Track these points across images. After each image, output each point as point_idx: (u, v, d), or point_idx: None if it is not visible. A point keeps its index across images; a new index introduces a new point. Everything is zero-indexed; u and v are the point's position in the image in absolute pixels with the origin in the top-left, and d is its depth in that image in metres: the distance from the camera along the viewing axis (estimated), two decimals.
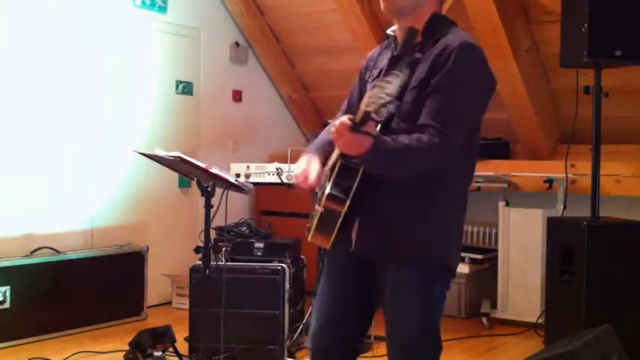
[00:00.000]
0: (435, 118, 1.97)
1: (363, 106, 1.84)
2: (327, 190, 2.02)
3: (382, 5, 2.13)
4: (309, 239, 2.16)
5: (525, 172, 4.86)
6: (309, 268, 4.27)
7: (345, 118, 1.88)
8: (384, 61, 2.20)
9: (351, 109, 2.19)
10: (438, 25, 2.11)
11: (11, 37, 4.43)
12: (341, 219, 2.02)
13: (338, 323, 2.23)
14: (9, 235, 4.41)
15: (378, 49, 2.32)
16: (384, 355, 4.12)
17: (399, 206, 2.06)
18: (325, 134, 2.31)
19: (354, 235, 2.10)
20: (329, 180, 2.05)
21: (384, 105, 1.77)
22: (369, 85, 2.22)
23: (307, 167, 2.17)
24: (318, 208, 2.05)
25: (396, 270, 2.10)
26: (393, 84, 1.78)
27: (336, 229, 2.04)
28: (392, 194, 2.06)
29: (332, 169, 2.06)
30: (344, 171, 2.01)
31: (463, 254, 5.05)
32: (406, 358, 2.14)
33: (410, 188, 2.06)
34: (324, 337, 2.25)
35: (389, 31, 2.22)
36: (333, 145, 2.08)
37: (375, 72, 2.22)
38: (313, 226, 2.09)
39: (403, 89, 1.97)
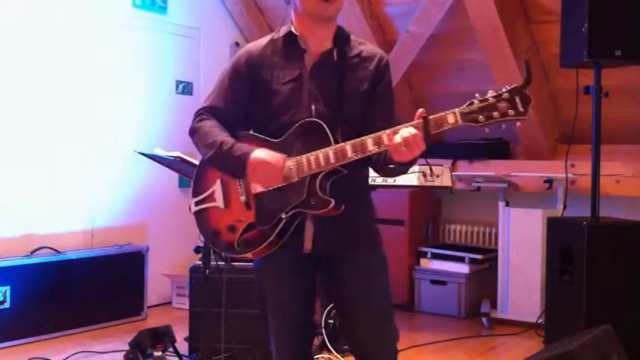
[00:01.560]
0: (392, 123, 2.08)
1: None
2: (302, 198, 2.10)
3: (326, 9, 2.14)
4: (255, 254, 2.19)
5: (525, 172, 4.86)
6: None
7: (415, 131, 1.95)
8: (292, 63, 2.18)
9: (234, 109, 2.24)
10: (342, 32, 2.24)
11: (11, 38, 4.43)
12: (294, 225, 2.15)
13: (305, 333, 2.36)
14: (9, 235, 4.41)
15: (259, 48, 2.23)
16: None
17: (350, 203, 2.15)
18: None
19: (307, 238, 2.18)
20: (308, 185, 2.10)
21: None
22: (278, 86, 2.17)
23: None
24: (283, 217, 2.12)
25: (357, 256, 2.23)
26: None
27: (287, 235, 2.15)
28: (341, 193, 2.14)
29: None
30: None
31: (463, 254, 5.07)
32: (388, 324, 2.27)
33: (356, 186, 2.24)
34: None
35: (280, 34, 2.23)
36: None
37: (286, 74, 2.18)
38: (271, 238, 2.13)
39: (344, 94, 2.15)
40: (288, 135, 2.14)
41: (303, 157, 2.09)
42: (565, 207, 4.26)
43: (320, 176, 2.09)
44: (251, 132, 2.22)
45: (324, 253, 2.22)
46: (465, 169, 5.03)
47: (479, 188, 4.94)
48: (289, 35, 2.22)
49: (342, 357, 3.84)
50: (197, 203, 2.25)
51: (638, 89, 4.52)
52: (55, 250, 4.50)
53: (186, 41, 5.53)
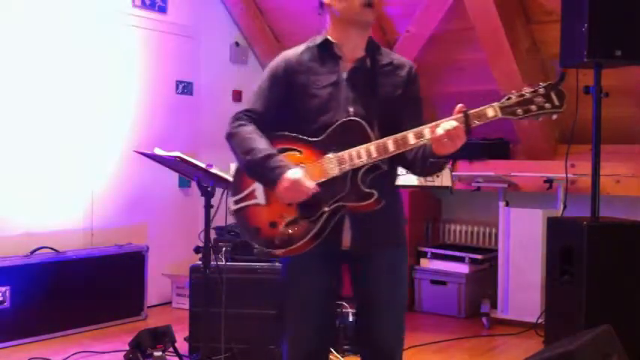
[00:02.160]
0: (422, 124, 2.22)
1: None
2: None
3: (368, 14, 2.27)
4: (296, 249, 2.23)
5: (525, 172, 4.86)
6: None
7: (457, 123, 2.09)
8: (329, 68, 2.30)
9: (272, 113, 2.32)
10: (373, 42, 2.38)
11: (11, 38, 4.43)
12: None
13: (326, 334, 2.44)
14: (9, 235, 4.41)
15: (296, 54, 2.35)
16: None
17: (385, 201, 2.24)
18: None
19: (346, 235, 2.27)
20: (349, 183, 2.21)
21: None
22: (316, 90, 2.28)
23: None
24: (326, 210, 2.20)
25: (388, 254, 2.34)
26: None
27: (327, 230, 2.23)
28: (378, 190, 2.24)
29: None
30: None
31: (463, 254, 5.07)
32: (401, 320, 2.39)
33: (389, 185, 2.34)
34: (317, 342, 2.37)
35: (316, 42, 2.35)
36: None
37: (323, 79, 2.29)
38: (314, 231, 2.21)
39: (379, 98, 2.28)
40: (327, 134, 2.24)
41: (345, 152, 2.20)
42: (565, 207, 4.26)
43: (361, 171, 2.20)
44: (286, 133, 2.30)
45: (359, 251, 2.29)
46: (465, 169, 5.03)
47: (479, 188, 4.94)
48: (325, 43, 2.33)
49: (342, 357, 3.84)
50: (237, 202, 2.31)
51: (638, 89, 4.52)
52: (54, 250, 4.50)
53: (186, 41, 5.53)
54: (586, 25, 3.64)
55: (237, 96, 5.96)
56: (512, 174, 4.86)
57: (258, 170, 2.23)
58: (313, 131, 2.26)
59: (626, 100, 4.52)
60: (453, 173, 4.51)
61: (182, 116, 5.47)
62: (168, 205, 5.38)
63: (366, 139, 2.20)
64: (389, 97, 2.30)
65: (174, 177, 5.22)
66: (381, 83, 2.31)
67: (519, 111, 2.11)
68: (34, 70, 4.54)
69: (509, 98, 2.12)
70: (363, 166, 2.20)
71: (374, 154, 2.18)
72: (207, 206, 3.20)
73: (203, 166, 3.13)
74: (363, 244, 2.29)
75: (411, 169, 2.34)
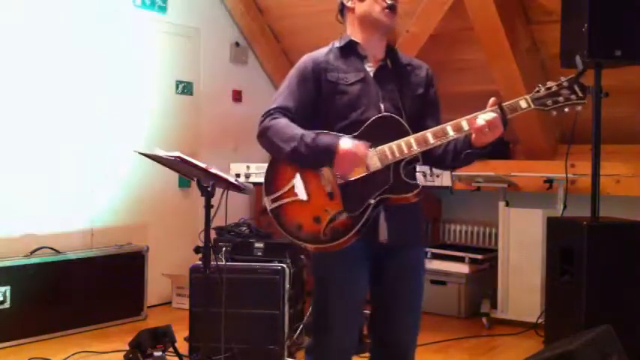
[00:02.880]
0: (439, 124, 2.34)
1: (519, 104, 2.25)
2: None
3: (389, 19, 2.38)
4: (342, 243, 2.25)
5: (525, 172, 4.86)
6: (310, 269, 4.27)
7: (495, 114, 2.21)
8: (355, 67, 2.38)
9: (303, 110, 2.36)
10: (390, 45, 2.48)
11: (11, 38, 4.43)
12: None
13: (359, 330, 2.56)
14: (9, 235, 4.41)
15: (322, 54, 2.42)
16: None
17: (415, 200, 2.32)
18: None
19: (382, 228, 2.31)
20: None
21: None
22: (345, 87, 2.34)
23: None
24: (372, 202, 2.24)
25: (413, 251, 2.42)
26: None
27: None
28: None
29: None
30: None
31: (463, 254, 5.06)
32: (419, 319, 2.45)
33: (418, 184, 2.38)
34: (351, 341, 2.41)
35: (341, 43, 2.43)
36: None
37: (351, 76, 2.37)
38: (361, 223, 2.24)
39: (404, 96, 2.38)
40: (364, 129, 2.29)
41: (385, 147, 2.26)
42: (565, 207, 4.26)
43: (402, 163, 2.27)
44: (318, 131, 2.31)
45: (393, 245, 2.33)
46: (465, 169, 4.99)
47: (479, 188, 4.94)
48: (350, 43, 2.42)
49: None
50: (274, 200, 2.32)
51: (638, 89, 4.52)
52: (55, 250, 4.50)
53: (186, 41, 5.53)
54: (586, 25, 3.64)
55: (237, 96, 5.96)
56: (512, 174, 4.86)
57: (310, 152, 2.24)
58: (344, 127, 2.31)
59: (626, 100, 4.52)
60: (453, 173, 4.51)
61: (182, 116, 5.47)
62: (168, 205, 5.38)
63: (404, 134, 2.27)
64: (413, 95, 2.41)
65: (174, 177, 5.22)
66: (404, 82, 2.40)
67: (549, 102, 2.26)
68: (35, 70, 4.54)
69: (537, 91, 2.25)
70: (404, 159, 2.26)
71: (415, 147, 2.25)
72: (207, 206, 3.19)
73: (203, 166, 3.13)
74: (399, 237, 2.33)
75: (439, 163, 2.45)
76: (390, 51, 2.46)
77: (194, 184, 3.24)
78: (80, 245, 4.76)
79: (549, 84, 2.26)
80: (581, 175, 4.37)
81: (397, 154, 2.25)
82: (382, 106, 2.33)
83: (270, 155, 2.38)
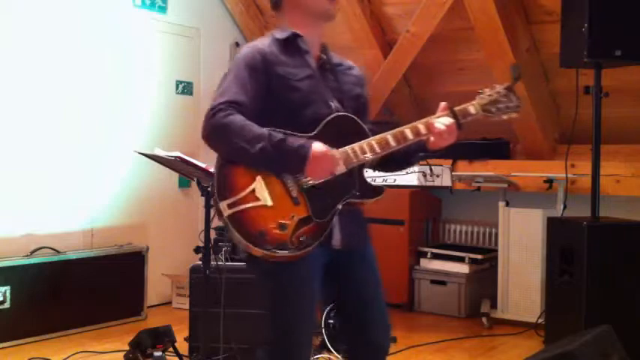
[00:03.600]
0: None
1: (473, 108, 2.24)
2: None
3: (334, 8, 2.29)
4: (312, 249, 2.15)
5: (525, 172, 4.86)
6: None
7: (452, 120, 2.20)
8: (300, 62, 2.25)
9: (255, 105, 2.16)
10: (322, 42, 2.39)
11: (11, 39, 4.43)
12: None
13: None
14: (9, 235, 4.41)
15: (267, 46, 2.24)
16: None
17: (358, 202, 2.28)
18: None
19: (336, 234, 2.22)
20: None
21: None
22: (296, 82, 2.21)
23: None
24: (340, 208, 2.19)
25: (367, 250, 2.37)
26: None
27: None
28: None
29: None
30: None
31: (463, 254, 5.06)
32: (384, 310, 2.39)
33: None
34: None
35: (283, 35, 2.27)
36: None
37: (299, 71, 2.22)
38: (327, 231, 2.17)
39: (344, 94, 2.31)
40: (320, 129, 2.18)
41: (348, 148, 2.17)
42: (565, 207, 4.26)
43: (364, 167, 2.24)
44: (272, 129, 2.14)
45: (346, 249, 2.25)
46: (465, 169, 5.03)
47: (479, 188, 4.93)
48: (294, 36, 2.27)
49: (342, 357, 3.84)
50: (231, 205, 2.08)
51: (638, 89, 4.52)
52: (55, 250, 4.50)
53: (186, 41, 5.53)
54: (586, 25, 3.64)
55: None
56: (512, 174, 4.86)
57: (278, 154, 2.07)
58: (298, 126, 2.17)
59: (626, 100, 4.52)
60: (453, 173, 4.51)
61: (182, 116, 5.46)
62: (169, 205, 5.38)
63: (362, 134, 2.21)
64: (351, 95, 2.34)
65: (174, 177, 5.22)
66: (343, 81, 2.34)
67: (493, 109, 2.25)
68: (34, 70, 4.54)
69: (482, 97, 2.26)
70: (366, 162, 2.21)
71: (377, 150, 2.18)
72: (207, 206, 3.19)
73: (203, 166, 3.13)
74: (350, 242, 2.25)
75: (387, 165, 2.38)
76: (324, 48, 2.35)
77: (194, 184, 3.24)
78: (80, 245, 4.76)
79: (488, 91, 2.27)
80: (581, 175, 4.37)
81: (361, 157, 2.17)
82: (332, 104, 2.24)
83: (223, 156, 2.16)
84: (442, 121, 2.19)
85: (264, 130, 2.10)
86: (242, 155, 2.11)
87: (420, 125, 2.21)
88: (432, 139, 2.20)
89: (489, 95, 2.25)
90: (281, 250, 2.08)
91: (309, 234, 2.12)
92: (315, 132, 2.17)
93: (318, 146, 2.10)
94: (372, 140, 2.18)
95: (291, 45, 2.26)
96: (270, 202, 2.10)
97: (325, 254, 2.22)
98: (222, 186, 2.12)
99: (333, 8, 2.29)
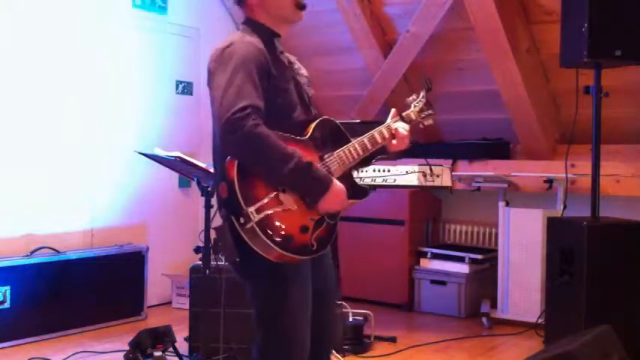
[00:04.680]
0: None
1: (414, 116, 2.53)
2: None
3: (300, 16, 2.30)
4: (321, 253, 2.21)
5: (525, 172, 4.86)
6: None
7: (407, 125, 2.43)
8: (280, 63, 2.25)
9: (265, 104, 2.11)
10: None
11: (11, 39, 4.43)
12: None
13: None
14: (9, 235, 4.41)
15: (259, 43, 2.19)
16: (384, 355, 4.13)
17: None
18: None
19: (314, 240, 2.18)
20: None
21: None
22: (285, 83, 2.22)
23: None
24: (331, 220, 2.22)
25: (328, 252, 2.37)
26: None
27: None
28: None
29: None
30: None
31: (463, 254, 5.06)
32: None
33: None
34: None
35: (265, 33, 2.27)
36: None
37: (284, 73, 2.24)
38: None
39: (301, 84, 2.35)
40: (312, 133, 2.23)
41: (340, 152, 2.26)
42: (565, 207, 4.25)
43: (352, 169, 2.32)
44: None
45: (321, 251, 2.21)
46: (465, 169, 5.03)
47: (479, 188, 4.94)
48: (273, 35, 2.27)
49: (342, 357, 3.84)
50: (259, 210, 2.03)
51: (638, 89, 4.51)
52: (55, 250, 4.50)
53: (186, 41, 5.53)
54: (586, 25, 3.64)
55: None
56: (512, 174, 4.86)
57: (302, 179, 2.07)
58: (287, 128, 2.15)
59: (626, 100, 4.52)
60: (453, 173, 4.51)
61: (182, 116, 5.47)
62: (169, 205, 5.38)
63: (345, 138, 2.31)
64: (309, 96, 2.41)
65: (174, 177, 5.22)
66: (301, 81, 2.38)
67: (424, 115, 2.56)
68: (34, 70, 4.54)
69: (414, 105, 2.54)
70: (355, 165, 2.32)
71: (361, 153, 2.30)
72: (207, 206, 3.19)
73: (203, 166, 3.13)
74: (325, 245, 2.24)
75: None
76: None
77: (194, 184, 3.24)
78: (80, 245, 4.76)
79: (416, 98, 2.56)
80: (581, 175, 4.37)
81: (351, 160, 2.27)
82: (311, 107, 2.31)
83: (245, 164, 2.06)
84: (402, 126, 2.40)
85: (291, 149, 2.06)
86: (269, 170, 2.06)
87: (384, 129, 2.38)
88: (393, 142, 2.38)
89: (419, 102, 2.54)
90: (302, 252, 2.10)
91: (324, 235, 2.18)
92: (307, 136, 2.22)
93: (338, 185, 2.14)
94: (356, 143, 2.31)
95: (271, 45, 2.23)
96: (295, 206, 2.10)
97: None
98: (244, 192, 2.04)
99: (297, 16, 2.29)
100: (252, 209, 2.02)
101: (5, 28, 4.40)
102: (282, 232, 2.06)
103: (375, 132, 2.35)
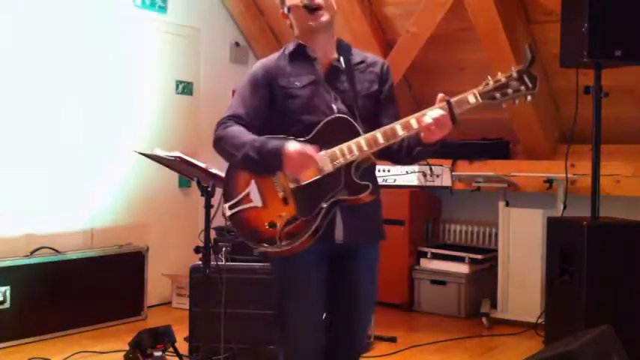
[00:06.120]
0: (397, 120, 2.31)
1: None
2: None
3: (312, 20, 2.36)
4: (298, 246, 2.28)
5: (525, 172, 4.86)
6: None
7: (443, 112, 2.17)
8: (306, 70, 2.38)
9: (255, 117, 2.38)
10: (343, 43, 2.48)
11: (12, 38, 4.43)
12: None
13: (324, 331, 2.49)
14: (9, 235, 4.41)
15: (272, 60, 2.44)
16: (384, 355, 4.13)
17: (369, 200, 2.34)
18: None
19: (338, 229, 2.33)
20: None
21: None
22: (296, 90, 2.35)
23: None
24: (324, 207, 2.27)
25: (369, 250, 2.47)
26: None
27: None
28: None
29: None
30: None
31: (463, 254, 5.06)
32: (371, 318, 2.69)
33: (373, 180, 2.40)
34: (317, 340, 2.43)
35: (290, 48, 2.43)
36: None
37: (302, 79, 2.37)
38: (314, 227, 2.27)
39: (357, 95, 2.38)
40: (315, 133, 2.30)
41: (336, 149, 2.26)
42: (565, 207, 4.25)
43: (354, 165, 2.28)
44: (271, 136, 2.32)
45: (350, 244, 2.36)
46: (465, 169, 5.03)
47: (479, 188, 4.94)
48: (299, 47, 2.42)
49: None
50: (231, 207, 2.35)
51: (638, 89, 4.52)
52: (55, 250, 4.50)
53: (186, 41, 5.53)
54: (586, 25, 3.64)
55: None
56: (512, 174, 4.86)
57: (258, 158, 2.25)
58: (298, 131, 2.31)
59: (626, 100, 4.52)
60: (453, 173, 4.51)
61: (182, 116, 5.47)
62: (169, 205, 5.38)
63: (355, 134, 2.27)
64: (366, 93, 2.41)
65: (174, 177, 5.22)
66: (357, 80, 2.40)
67: (498, 95, 2.20)
68: (34, 70, 4.54)
69: (486, 84, 2.21)
70: (355, 160, 2.27)
71: (365, 148, 2.25)
72: (207, 206, 3.19)
73: (203, 166, 3.13)
74: (354, 237, 2.36)
75: (395, 158, 2.43)
76: (343, 49, 2.45)
77: (194, 184, 3.24)
78: (80, 245, 4.76)
79: (499, 76, 2.21)
80: (581, 175, 4.37)
81: (348, 156, 2.26)
82: (334, 107, 2.34)
83: (228, 162, 2.40)
84: (431, 114, 2.20)
85: (250, 137, 2.30)
86: (233, 160, 2.35)
87: (412, 120, 2.24)
88: (422, 133, 2.23)
89: (497, 81, 2.20)
90: (271, 245, 2.28)
91: (296, 231, 2.26)
92: (310, 135, 2.30)
93: (292, 145, 2.22)
94: (361, 139, 2.25)
95: (299, 55, 2.41)
96: (260, 204, 2.31)
97: (329, 248, 2.35)
98: (226, 189, 2.39)
99: (314, 22, 2.37)
100: (226, 205, 2.36)
101: (6, 28, 4.40)
102: (250, 227, 2.32)
103: (399, 122, 2.25)
